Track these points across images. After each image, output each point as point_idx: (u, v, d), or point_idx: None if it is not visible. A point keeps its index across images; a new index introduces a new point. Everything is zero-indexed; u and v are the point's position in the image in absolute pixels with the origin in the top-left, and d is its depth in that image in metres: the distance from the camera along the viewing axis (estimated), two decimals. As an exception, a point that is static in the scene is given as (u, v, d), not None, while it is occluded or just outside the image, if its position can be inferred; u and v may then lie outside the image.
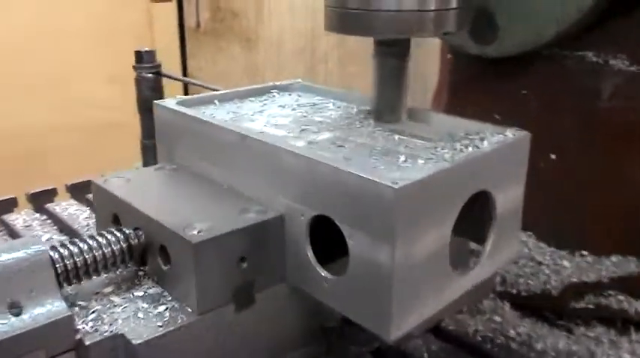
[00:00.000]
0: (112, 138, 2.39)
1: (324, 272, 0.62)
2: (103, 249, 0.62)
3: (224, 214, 0.64)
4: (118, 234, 0.64)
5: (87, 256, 0.61)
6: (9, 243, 0.58)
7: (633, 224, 0.91)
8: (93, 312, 0.60)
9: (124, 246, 0.63)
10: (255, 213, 0.64)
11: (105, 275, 0.65)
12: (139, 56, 1.10)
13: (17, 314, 0.55)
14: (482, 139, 0.67)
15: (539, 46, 0.85)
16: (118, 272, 0.67)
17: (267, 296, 0.65)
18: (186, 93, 2.57)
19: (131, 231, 0.64)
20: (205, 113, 0.80)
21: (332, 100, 0.89)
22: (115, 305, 0.61)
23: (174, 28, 3.03)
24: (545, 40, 0.84)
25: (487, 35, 0.88)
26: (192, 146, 0.76)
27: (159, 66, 1.12)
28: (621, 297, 0.90)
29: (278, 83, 0.94)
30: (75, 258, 0.60)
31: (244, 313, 0.63)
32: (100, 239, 0.63)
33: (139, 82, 1.10)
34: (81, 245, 0.61)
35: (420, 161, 0.62)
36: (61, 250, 0.60)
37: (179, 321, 0.59)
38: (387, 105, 0.77)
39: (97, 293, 0.64)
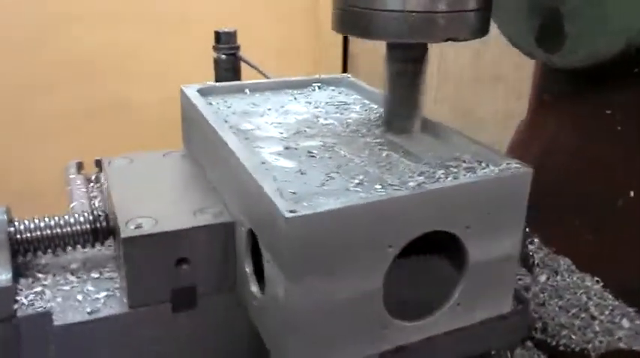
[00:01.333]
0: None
1: (255, 288, 0.57)
2: (64, 228, 0.63)
3: (179, 212, 0.61)
4: (84, 217, 0.65)
5: (44, 232, 0.63)
6: (-26, 210, 0.62)
7: None
8: (41, 286, 0.62)
9: (87, 228, 0.64)
10: (210, 216, 0.61)
11: (83, 250, 0.67)
12: (218, 37, 1.10)
13: (-39, 278, 0.58)
14: (473, 169, 0.56)
15: (608, 58, 0.69)
16: (99, 251, 0.68)
17: (213, 303, 0.61)
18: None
19: (101, 215, 0.65)
20: (219, 103, 0.78)
21: (366, 101, 0.81)
22: (65, 283, 0.63)
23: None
24: (614, 52, 0.67)
25: (553, 42, 0.73)
26: (196, 135, 0.74)
27: (236, 48, 1.11)
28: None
29: (324, 76, 0.88)
30: (31, 232, 0.62)
31: (183, 315, 0.61)
32: (66, 218, 0.64)
33: (217, 62, 1.11)
34: (43, 222, 0.63)
35: (377, 186, 0.53)
36: (19, 224, 0.62)
37: (108, 311, 0.59)
38: (397, 115, 0.68)
39: (63, 267, 0.66)
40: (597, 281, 0.84)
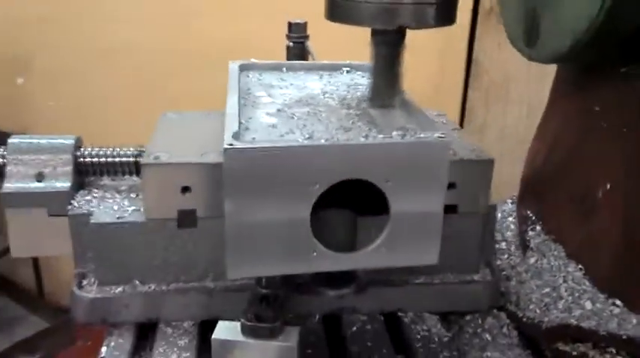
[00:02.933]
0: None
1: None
2: (115, 158, 0.82)
3: (191, 152, 0.77)
4: (131, 151, 0.83)
5: (101, 159, 0.82)
6: (54, 135, 0.83)
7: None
8: (91, 196, 0.81)
9: (132, 160, 0.83)
10: (212, 156, 0.76)
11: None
12: (289, 26, 1.25)
13: (39, 181, 0.79)
14: (404, 135, 0.65)
15: (562, 55, 0.73)
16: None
17: (209, 225, 0.76)
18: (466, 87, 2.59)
19: (137, 150, 0.83)
20: (255, 76, 0.92)
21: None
22: (110, 198, 0.81)
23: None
24: (565, 50, 0.71)
25: (532, 38, 0.78)
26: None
27: (305, 37, 1.25)
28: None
29: (355, 62, 1.00)
30: (91, 157, 0.82)
31: (186, 231, 0.77)
32: (117, 150, 0.83)
33: (288, 48, 1.26)
34: (101, 151, 0.83)
35: (321, 141, 0.65)
36: (83, 150, 0.82)
37: (130, 218, 0.76)
38: (378, 92, 0.78)
39: (115, 188, 0.85)
40: (580, 268, 0.87)
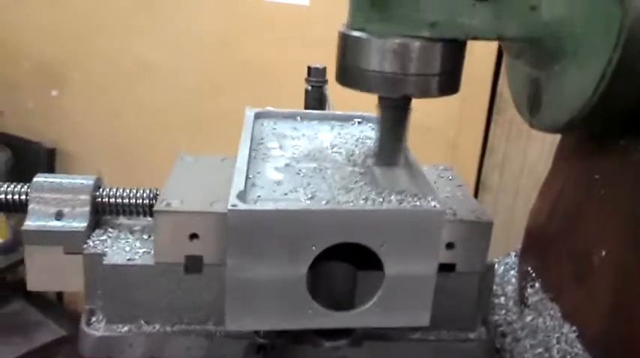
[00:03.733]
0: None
1: (229, 265, 0.73)
2: (131, 199, 0.85)
3: (202, 200, 0.79)
4: (147, 193, 0.86)
5: (117, 200, 0.85)
6: (76, 176, 0.86)
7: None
8: (106, 236, 0.84)
9: (147, 202, 0.85)
10: (221, 205, 0.78)
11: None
12: (309, 71, 1.28)
13: (58, 220, 0.82)
14: (401, 201, 0.67)
15: (559, 128, 0.74)
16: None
17: (215, 272, 0.78)
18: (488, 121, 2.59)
19: (153, 193, 0.86)
20: (269, 125, 0.95)
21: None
22: (124, 238, 0.84)
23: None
24: (561, 124, 0.73)
25: (534, 107, 0.79)
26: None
27: (323, 82, 1.28)
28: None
29: (366, 114, 1.02)
30: (109, 198, 0.85)
31: (193, 277, 0.79)
32: (134, 192, 0.86)
33: (306, 91, 1.29)
34: (118, 191, 0.86)
35: (323, 202, 0.67)
36: (102, 190, 0.85)
37: (139, 261, 0.79)
38: (382, 151, 0.80)
39: (129, 227, 0.88)
40: (574, 330, 0.87)
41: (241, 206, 0.62)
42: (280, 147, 0.86)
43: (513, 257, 1.12)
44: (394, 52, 0.69)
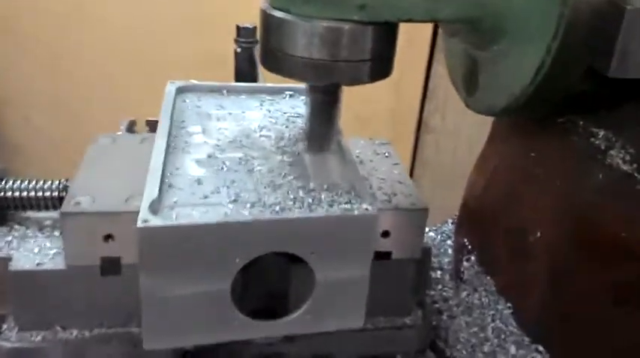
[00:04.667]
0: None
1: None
2: (37, 192, 0.76)
3: (116, 196, 0.71)
4: (55, 185, 0.77)
5: (22, 194, 0.75)
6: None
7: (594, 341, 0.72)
8: (12, 236, 0.75)
9: (55, 194, 0.76)
10: (138, 202, 0.70)
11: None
12: (238, 30, 1.17)
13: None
14: (332, 203, 0.61)
15: (496, 112, 0.70)
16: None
17: (135, 273, 0.71)
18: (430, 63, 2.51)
19: (62, 184, 0.77)
20: (193, 101, 0.86)
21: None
22: (32, 236, 0.75)
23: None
24: (498, 109, 0.68)
25: (470, 87, 0.74)
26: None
27: (254, 42, 1.18)
28: None
29: (297, 85, 0.94)
30: (12, 191, 0.75)
31: (110, 279, 0.72)
32: (41, 183, 0.77)
33: (235, 55, 1.19)
34: (23, 183, 0.76)
35: (247, 205, 0.60)
36: (4, 183, 0.75)
37: (50, 265, 0.71)
38: (313, 136, 0.73)
39: (38, 223, 0.78)
40: (509, 307, 0.86)
41: (153, 222, 0.54)
42: (203, 132, 0.77)
43: (450, 224, 1.10)
44: (322, 37, 0.61)
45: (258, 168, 0.69)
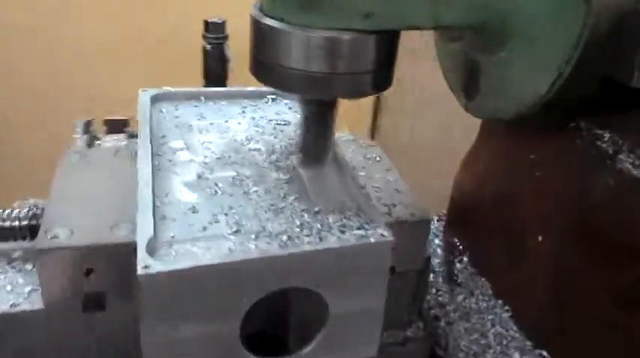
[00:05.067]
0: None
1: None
2: (4, 221, 0.68)
3: (97, 224, 0.64)
4: (24, 213, 0.69)
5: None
6: None
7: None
8: (-20, 273, 0.67)
9: (25, 224, 0.68)
10: (124, 232, 0.63)
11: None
12: (206, 26, 1.10)
13: None
14: (344, 229, 0.56)
15: (503, 118, 0.66)
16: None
17: (121, 308, 0.65)
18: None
19: (38, 214, 0.69)
20: (170, 111, 0.79)
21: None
22: (1, 272, 0.68)
23: None
24: (507, 115, 0.65)
25: (470, 92, 0.70)
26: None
27: (224, 38, 1.10)
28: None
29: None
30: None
31: (94, 316, 0.65)
32: (8, 212, 0.69)
33: (204, 52, 1.11)
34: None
35: (252, 236, 0.55)
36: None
37: (27, 306, 0.63)
38: (308, 151, 0.68)
39: (6, 255, 0.70)
40: (507, 310, 0.85)
41: (155, 267, 0.48)
42: (188, 148, 0.70)
43: (436, 222, 1.07)
44: (321, 48, 0.56)
45: (254, 188, 0.63)
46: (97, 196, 0.70)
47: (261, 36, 0.59)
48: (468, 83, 0.71)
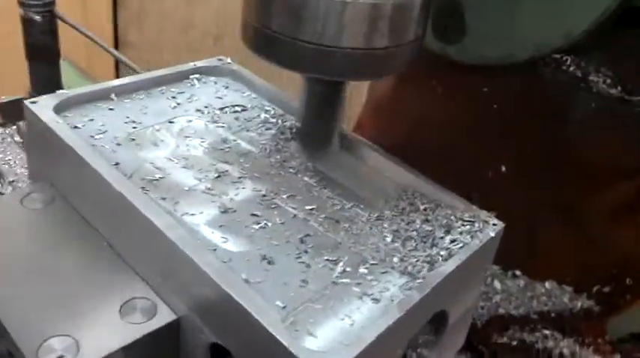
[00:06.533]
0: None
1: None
2: None
3: (99, 314, 0.44)
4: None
5: None
6: None
7: (584, 259, 0.78)
8: None
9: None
10: (142, 314, 0.44)
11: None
12: (25, -11, 0.79)
13: None
14: (447, 229, 0.48)
15: (507, 64, 0.64)
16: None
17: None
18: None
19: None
20: (86, 124, 0.55)
21: (264, 102, 0.65)
22: None
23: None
24: (516, 61, 0.63)
25: (450, 34, 0.65)
26: (69, 177, 0.53)
27: (51, 4, 0.82)
28: (547, 332, 0.79)
29: (200, 64, 0.69)
30: None
31: None
32: None
33: (26, 22, 0.81)
34: None
35: (363, 270, 0.43)
36: None
37: None
38: (315, 137, 0.56)
39: None
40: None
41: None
42: (164, 175, 0.51)
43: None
44: (390, 17, 0.44)
45: (304, 207, 0.49)
46: (60, 273, 0.47)
47: (278, 5, 0.44)
48: (442, 23, 0.64)
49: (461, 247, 0.46)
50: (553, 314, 0.76)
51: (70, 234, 0.50)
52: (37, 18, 0.77)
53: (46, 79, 0.86)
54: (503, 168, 0.77)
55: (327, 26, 0.45)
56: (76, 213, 0.52)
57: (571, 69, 0.68)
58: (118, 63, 2.28)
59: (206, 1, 2.04)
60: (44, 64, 0.84)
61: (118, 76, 2.34)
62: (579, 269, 0.77)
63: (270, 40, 0.47)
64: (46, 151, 0.54)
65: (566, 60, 0.68)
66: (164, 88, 0.65)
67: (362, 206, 0.51)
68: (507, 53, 0.63)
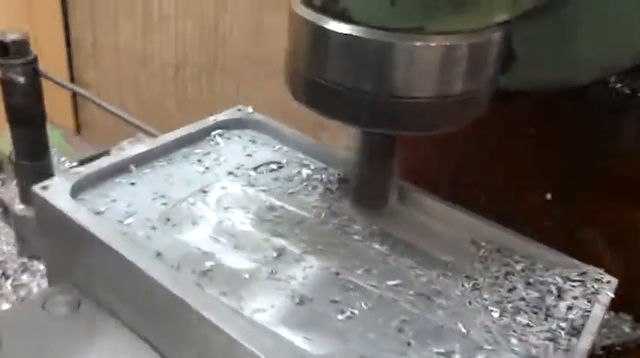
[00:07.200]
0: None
1: None
2: None
3: None
4: None
5: None
6: None
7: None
8: None
9: None
10: None
11: None
12: (4, 47, 0.70)
13: None
14: (557, 294, 0.42)
15: (567, 87, 0.60)
16: None
17: None
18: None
19: None
20: (110, 207, 0.47)
21: (300, 155, 0.58)
22: None
23: None
24: (570, 85, 0.58)
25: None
26: (100, 275, 0.44)
27: (34, 61, 0.72)
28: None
29: (221, 117, 0.61)
30: None
31: None
32: None
33: (7, 84, 0.71)
34: None
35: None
36: None
37: None
38: (373, 192, 0.49)
39: None
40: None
41: None
42: (214, 258, 0.43)
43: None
44: (470, 58, 0.38)
45: (387, 283, 0.42)
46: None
47: (336, 51, 0.38)
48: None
49: (582, 315, 0.40)
50: (618, 348, 0.71)
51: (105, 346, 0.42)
52: (21, 79, 0.68)
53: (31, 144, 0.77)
54: (549, 196, 0.72)
55: (398, 76, 0.38)
56: (110, 318, 0.44)
57: (617, 86, 0.64)
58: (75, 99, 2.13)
59: (163, 30, 1.94)
60: (28, 128, 0.75)
61: (76, 115, 2.20)
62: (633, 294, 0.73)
63: (327, 92, 0.40)
64: (67, 246, 0.46)
65: (611, 77, 0.64)
66: (186, 150, 0.57)
67: (449, 274, 0.44)
68: (567, 77, 0.57)
